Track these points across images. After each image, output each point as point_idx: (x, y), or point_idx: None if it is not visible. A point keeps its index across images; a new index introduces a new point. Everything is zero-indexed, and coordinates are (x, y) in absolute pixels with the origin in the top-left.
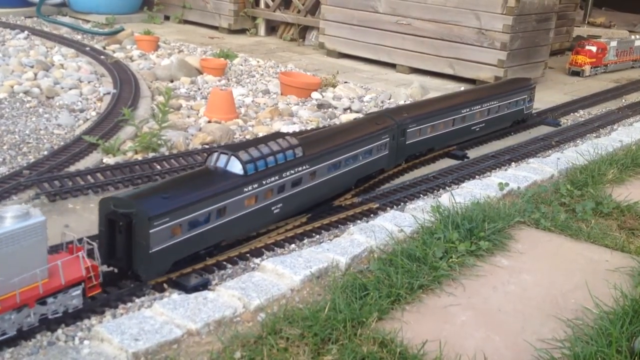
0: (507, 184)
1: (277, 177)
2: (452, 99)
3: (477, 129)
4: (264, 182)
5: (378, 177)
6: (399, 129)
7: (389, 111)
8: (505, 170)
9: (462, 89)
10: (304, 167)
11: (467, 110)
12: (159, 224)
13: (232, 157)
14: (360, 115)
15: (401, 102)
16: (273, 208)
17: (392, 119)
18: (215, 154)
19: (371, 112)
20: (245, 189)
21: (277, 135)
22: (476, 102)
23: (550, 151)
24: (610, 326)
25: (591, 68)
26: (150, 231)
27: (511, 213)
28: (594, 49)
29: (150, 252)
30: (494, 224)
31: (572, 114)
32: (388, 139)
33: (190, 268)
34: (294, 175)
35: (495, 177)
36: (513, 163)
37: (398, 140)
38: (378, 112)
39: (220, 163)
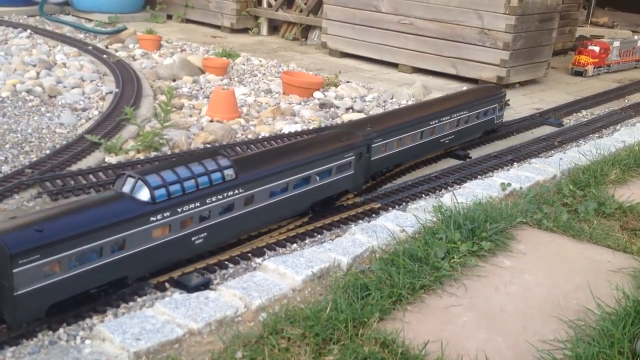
0: (509, 184)
1: (198, 204)
2: (419, 109)
3: (447, 141)
4: (179, 210)
5: (341, 198)
6: (365, 146)
7: (352, 124)
8: (508, 170)
9: (464, 88)
10: (237, 192)
11: (436, 121)
12: (25, 262)
13: (139, 182)
14: (362, 115)
15: (403, 102)
16: (194, 238)
17: (358, 134)
18: (123, 177)
19: (335, 125)
20: (153, 218)
21: (208, 154)
22: (445, 112)
23: (552, 151)
24: (612, 327)
25: (594, 68)
26: (14, 270)
27: (513, 213)
28: (596, 49)
29: (15, 294)
30: (496, 224)
31: (574, 114)
32: (353, 157)
33: (192, 267)
34: (222, 201)
35: (498, 177)
36: (515, 163)
37: (364, 158)
38: (341, 125)
39: (127, 188)
